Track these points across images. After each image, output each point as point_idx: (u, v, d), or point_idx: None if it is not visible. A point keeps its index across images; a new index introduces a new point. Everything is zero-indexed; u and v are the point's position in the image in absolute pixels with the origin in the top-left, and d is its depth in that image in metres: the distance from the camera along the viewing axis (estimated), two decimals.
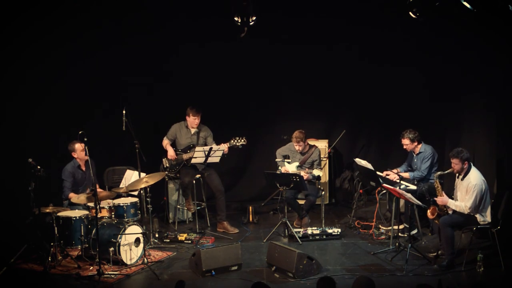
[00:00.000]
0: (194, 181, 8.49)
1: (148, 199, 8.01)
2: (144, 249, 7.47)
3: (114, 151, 9.29)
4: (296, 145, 8.66)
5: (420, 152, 8.27)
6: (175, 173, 8.64)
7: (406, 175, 8.29)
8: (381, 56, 9.61)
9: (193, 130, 8.65)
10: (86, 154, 7.53)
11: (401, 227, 7.99)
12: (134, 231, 7.39)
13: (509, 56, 7.79)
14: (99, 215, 7.22)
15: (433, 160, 8.19)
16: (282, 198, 8.41)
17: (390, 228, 8.19)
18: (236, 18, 7.66)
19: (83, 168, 8.09)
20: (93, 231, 7.23)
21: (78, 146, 7.88)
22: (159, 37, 9.25)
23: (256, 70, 9.71)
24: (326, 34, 9.50)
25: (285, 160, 8.75)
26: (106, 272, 7.07)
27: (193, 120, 8.53)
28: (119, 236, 7.21)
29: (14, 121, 8.51)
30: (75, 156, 8.01)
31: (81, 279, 6.97)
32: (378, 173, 8.25)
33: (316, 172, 8.60)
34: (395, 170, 8.41)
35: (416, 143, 8.25)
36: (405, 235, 7.95)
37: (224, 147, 8.33)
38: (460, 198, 7.22)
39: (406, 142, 8.26)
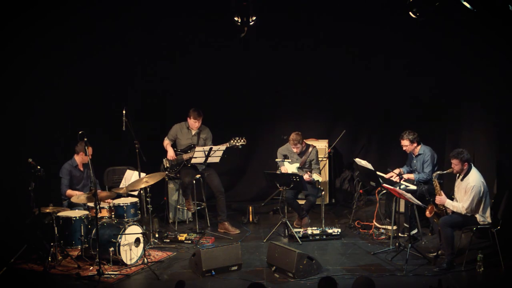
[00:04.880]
0: (194, 181, 8.49)
1: (148, 199, 8.02)
2: (144, 249, 7.47)
3: (114, 151, 9.28)
4: (293, 148, 8.66)
5: (419, 154, 8.25)
6: (175, 173, 8.64)
7: (411, 176, 8.24)
8: (382, 56, 9.61)
9: (194, 131, 8.65)
10: (86, 154, 7.54)
11: (394, 227, 7.98)
12: (134, 231, 7.39)
13: (509, 56, 7.79)
14: (99, 215, 7.22)
15: (434, 162, 8.18)
16: (282, 198, 8.40)
17: (385, 226, 8.23)
18: (236, 18, 7.66)
19: (81, 168, 8.09)
20: (93, 231, 7.23)
21: (82, 153, 7.86)
22: (159, 37, 9.26)
23: (256, 70, 9.71)
24: (326, 34, 9.50)
25: (285, 160, 8.75)
26: (106, 272, 7.07)
27: (193, 123, 8.53)
28: (119, 236, 7.21)
29: (14, 121, 8.52)
30: (77, 156, 8.01)
31: (81, 279, 6.96)
32: (378, 173, 8.23)
33: (315, 176, 8.61)
34: (396, 171, 8.36)
35: (415, 144, 8.24)
36: (405, 235, 7.95)
37: (223, 147, 8.33)
38: (459, 198, 7.22)
39: (405, 143, 8.25)
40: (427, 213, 7.33)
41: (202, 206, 8.85)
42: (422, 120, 9.45)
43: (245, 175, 10.25)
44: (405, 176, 8.26)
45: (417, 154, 8.28)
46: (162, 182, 8.44)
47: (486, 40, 8.10)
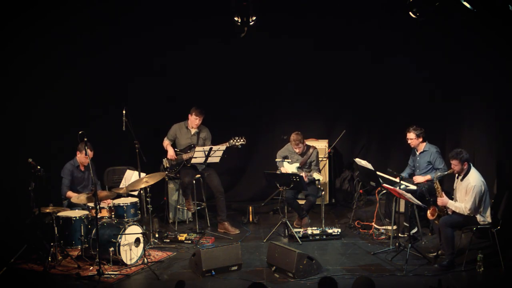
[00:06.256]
0: (194, 181, 8.49)
1: (148, 199, 8.02)
2: (144, 249, 7.47)
3: (114, 151, 9.28)
4: (295, 148, 8.66)
5: (424, 151, 8.24)
6: (175, 173, 8.64)
7: (428, 177, 8.14)
8: (382, 56, 9.61)
9: (193, 131, 8.65)
10: (86, 155, 7.53)
11: (394, 227, 7.98)
12: (134, 231, 7.39)
13: (509, 56, 7.79)
14: (99, 215, 7.22)
15: (441, 155, 8.17)
16: (282, 198, 8.40)
17: (385, 227, 8.25)
18: (236, 18, 7.67)
19: (82, 169, 8.09)
20: (93, 231, 7.23)
21: (84, 152, 7.86)
22: (159, 37, 9.26)
23: (256, 70, 9.71)
24: (326, 33, 9.50)
25: (285, 160, 8.75)
26: (106, 272, 7.07)
27: (194, 120, 8.53)
28: (119, 236, 7.21)
29: (14, 120, 8.52)
30: (78, 155, 8.01)
31: (81, 279, 6.96)
32: (378, 173, 8.22)
33: (316, 175, 8.60)
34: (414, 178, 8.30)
35: (420, 140, 8.23)
36: (405, 235, 7.95)
37: (223, 147, 8.33)
38: (460, 199, 7.21)
39: (411, 136, 8.22)
40: (429, 215, 7.30)
41: (202, 206, 8.84)
42: (422, 120, 9.41)
43: (245, 175, 10.25)
44: (421, 179, 8.14)
45: (421, 151, 8.27)
46: (162, 182, 8.44)
47: (486, 40, 8.10)
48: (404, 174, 8.41)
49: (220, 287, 6.84)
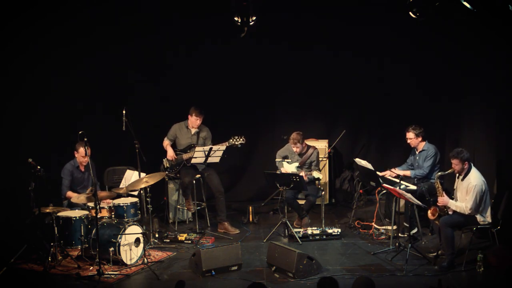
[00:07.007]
0: (194, 181, 8.49)
1: (148, 199, 8.02)
2: (144, 249, 7.47)
3: (114, 151, 9.28)
4: (293, 147, 8.66)
5: (423, 150, 8.26)
6: (175, 173, 8.64)
7: (407, 173, 8.26)
8: (381, 56, 9.62)
9: (193, 130, 8.65)
10: (86, 154, 7.53)
11: (394, 227, 7.98)
12: (134, 231, 7.39)
13: (509, 56, 7.79)
14: (99, 215, 7.22)
15: (436, 160, 8.19)
16: (282, 198, 8.40)
17: (385, 227, 8.25)
18: (236, 18, 7.67)
19: (82, 169, 8.08)
20: (93, 231, 7.23)
21: (82, 151, 7.84)
22: (159, 37, 9.27)
23: (256, 70, 9.72)
24: (326, 34, 9.51)
25: (285, 160, 8.75)
26: (106, 272, 7.07)
27: (194, 120, 8.53)
28: (119, 236, 7.21)
29: (14, 121, 8.52)
30: (76, 155, 8.01)
31: (81, 279, 6.96)
32: (378, 173, 8.24)
33: (315, 174, 8.60)
34: (393, 170, 8.38)
35: (420, 139, 8.24)
36: (405, 235, 7.95)
37: (223, 147, 8.33)
38: (460, 198, 7.21)
39: (410, 136, 8.25)
40: (430, 216, 7.29)
41: (202, 206, 8.84)
42: (422, 120, 9.42)
43: (245, 175, 10.25)
44: (400, 172, 8.24)
45: (420, 150, 8.28)
46: (162, 182, 8.44)
47: (486, 41, 8.10)
48: (400, 168, 8.42)
49: (220, 287, 6.84)
